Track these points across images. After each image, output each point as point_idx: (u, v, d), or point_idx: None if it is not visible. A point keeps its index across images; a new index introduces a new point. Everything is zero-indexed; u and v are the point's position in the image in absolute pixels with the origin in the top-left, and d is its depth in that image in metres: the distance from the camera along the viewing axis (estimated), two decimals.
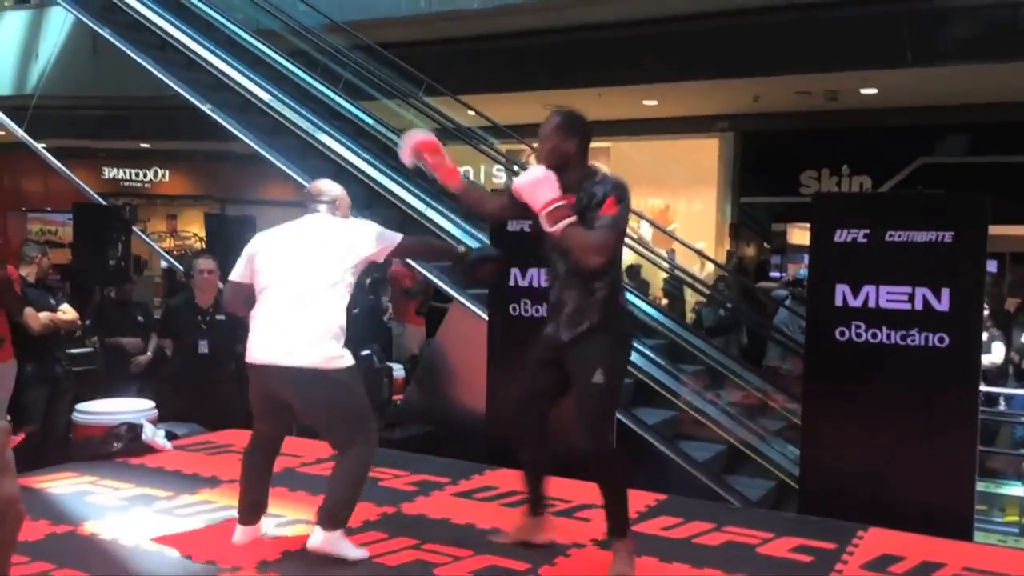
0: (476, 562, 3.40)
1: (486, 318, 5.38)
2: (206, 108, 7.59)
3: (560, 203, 3.14)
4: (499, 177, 11.03)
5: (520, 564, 3.38)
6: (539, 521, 3.64)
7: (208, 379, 5.59)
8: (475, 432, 5.27)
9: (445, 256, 4.08)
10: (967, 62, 8.82)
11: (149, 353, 6.55)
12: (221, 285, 5.90)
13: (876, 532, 3.85)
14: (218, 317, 5.65)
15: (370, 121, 8.04)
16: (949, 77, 9.27)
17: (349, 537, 3.42)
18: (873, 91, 10.34)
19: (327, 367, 3.30)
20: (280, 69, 8.36)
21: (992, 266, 9.20)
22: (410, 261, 6.74)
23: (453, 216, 6.93)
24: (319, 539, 3.34)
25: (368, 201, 7.14)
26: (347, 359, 3.39)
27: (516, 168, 9.18)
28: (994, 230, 4.14)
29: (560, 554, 3.52)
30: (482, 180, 11.26)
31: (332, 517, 3.34)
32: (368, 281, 9.07)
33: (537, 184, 3.19)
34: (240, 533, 3.52)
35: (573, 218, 3.14)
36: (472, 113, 8.65)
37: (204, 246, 12.03)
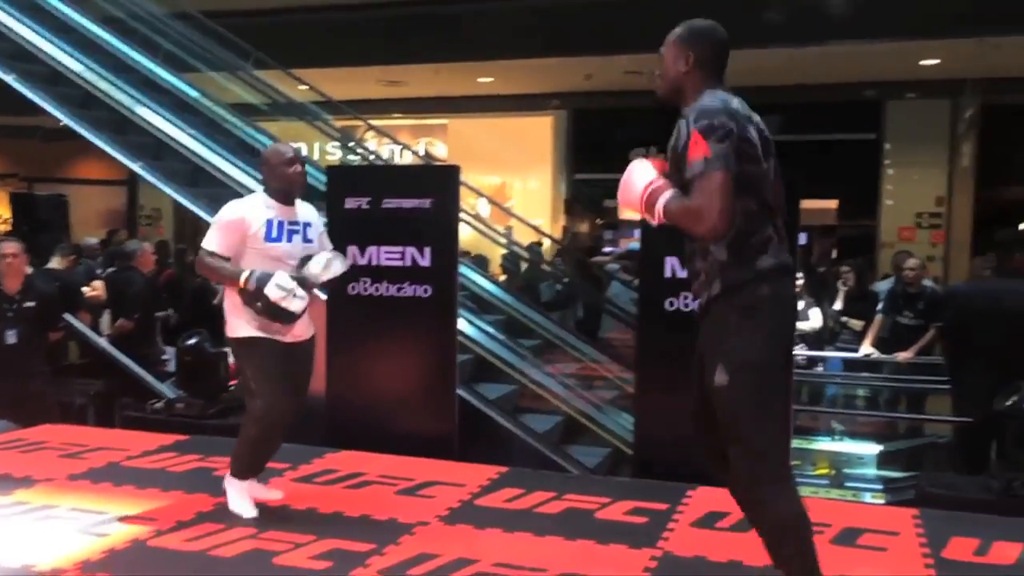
0: (319, 547, 3.33)
1: (324, 298, 5.27)
2: (9, 79, 7.01)
3: (652, 187, 2.48)
4: (333, 154, 10.79)
5: (364, 545, 3.34)
6: None
7: (18, 372, 5.19)
8: (314, 415, 5.15)
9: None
10: (783, 44, 9.35)
11: None
12: (29, 269, 5.49)
13: (704, 491, 4.05)
14: (26, 304, 5.25)
15: (194, 94, 7.66)
16: (766, 59, 9.82)
17: (194, 527, 3.44)
18: None
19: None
20: (92, 37, 7.80)
21: (802, 238, 9.85)
22: None
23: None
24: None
25: (194, 178, 6.82)
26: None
27: (351, 145, 9.03)
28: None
29: (405, 532, 3.51)
30: (316, 157, 10.97)
31: (230, 463, 3.68)
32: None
33: (625, 189, 2.56)
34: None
35: (665, 195, 2.44)
36: (305, 87, 8.41)
37: (10, 228, 11.14)
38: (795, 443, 4.67)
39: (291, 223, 3.63)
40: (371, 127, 9.40)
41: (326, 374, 5.05)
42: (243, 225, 3.53)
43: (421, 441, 4.66)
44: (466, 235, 7.10)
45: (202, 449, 4.63)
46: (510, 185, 13.43)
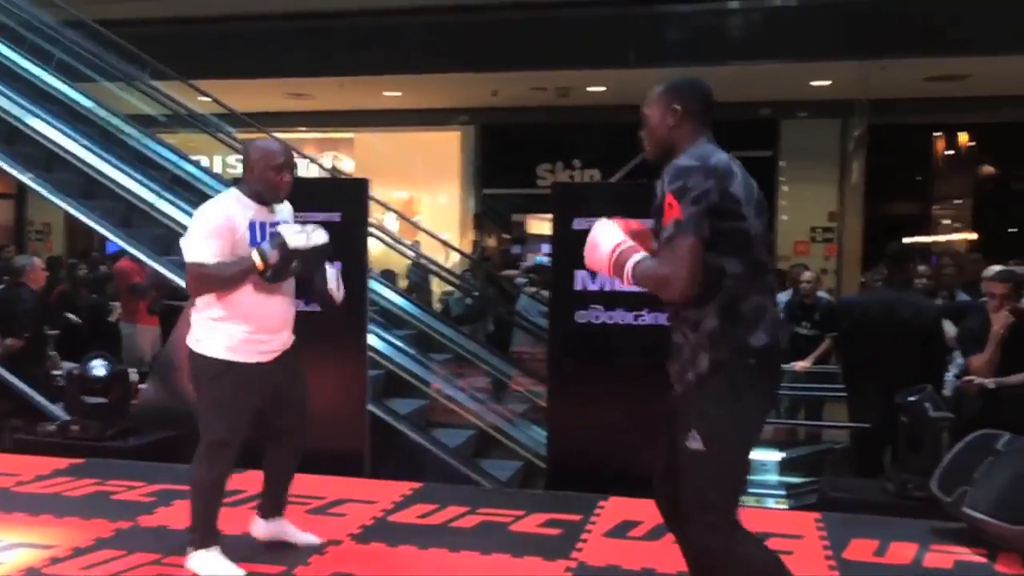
0: None
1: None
2: None
3: (619, 250, 2.38)
4: (236, 167, 10.55)
5: (273, 567, 3.27)
6: None
7: None
8: None
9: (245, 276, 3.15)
10: (683, 65, 9.61)
11: None
12: None
13: (616, 501, 4.11)
14: None
15: (89, 104, 7.37)
16: (666, 77, 10.07)
17: (92, 553, 3.29)
18: (601, 89, 11.00)
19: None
20: None
21: None
22: (137, 254, 6.28)
23: (189, 209, 6.52)
24: None
25: (88, 190, 6.57)
26: None
27: None
28: None
29: (315, 553, 3.44)
30: (218, 170, 10.70)
31: (188, 532, 3.27)
32: (92, 278, 8.36)
33: (591, 251, 2.45)
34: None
35: (634, 259, 2.34)
36: (207, 99, 8.20)
37: None
38: None
39: (272, 225, 3.22)
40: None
41: None
42: (232, 229, 3.09)
43: (331, 458, 4.56)
44: (374, 250, 7.03)
45: (100, 473, 4.45)
46: (418, 199, 13.38)
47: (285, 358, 3.27)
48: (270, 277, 3.04)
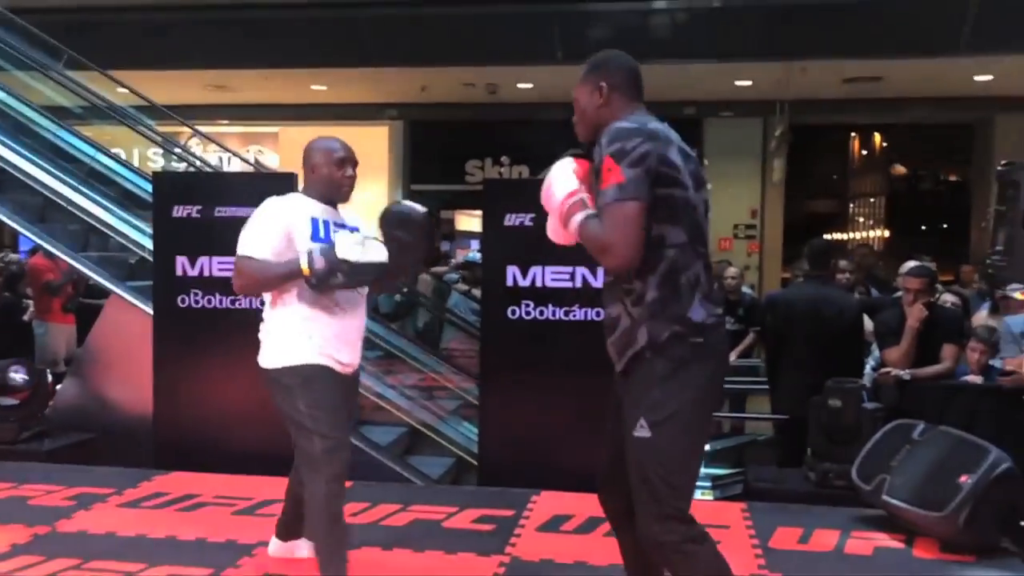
0: (151, 574, 3.15)
1: (150, 312, 5.00)
2: None
3: (571, 200, 2.24)
4: (155, 161, 10.26)
5: (200, 570, 3.19)
6: None
7: None
8: (141, 436, 4.88)
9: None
10: None
11: None
12: None
13: (548, 495, 4.13)
14: None
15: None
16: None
17: (9, 560, 3.02)
18: (529, 86, 11.05)
19: None
20: None
21: None
22: (53, 251, 6.05)
23: (107, 203, 6.32)
24: None
25: None
26: None
27: (177, 151, 8.61)
28: None
29: (244, 554, 3.37)
30: (136, 163, 10.38)
31: (317, 561, 2.85)
32: (4, 275, 8.04)
33: (546, 193, 2.33)
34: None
35: (581, 215, 2.21)
36: (124, 91, 7.95)
37: None
38: None
39: (337, 224, 2.99)
40: (197, 133, 9.00)
41: (153, 391, 4.79)
42: (287, 223, 2.87)
43: (259, 458, 4.48)
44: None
45: (14, 477, 4.28)
46: None
47: (353, 379, 3.05)
48: (314, 285, 2.78)
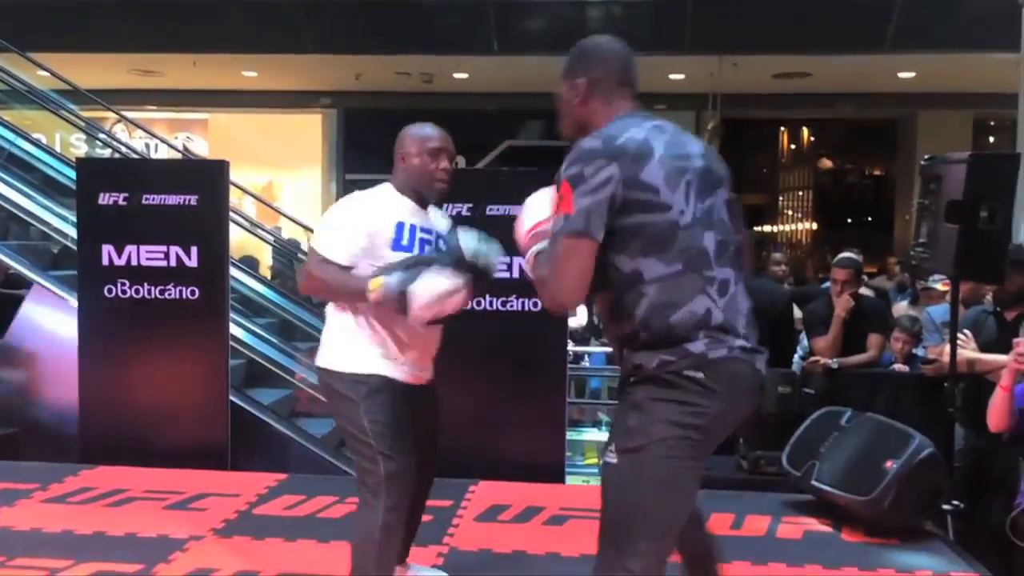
0: (78, 571, 3.06)
1: (75, 303, 4.84)
2: None
3: (535, 231, 2.04)
4: (79, 147, 9.93)
5: (130, 566, 3.11)
6: None
7: None
8: (66, 430, 4.74)
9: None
10: (545, 53, 9.74)
11: None
12: None
13: (485, 485, 4.13)
14: None
15: None
16: (529, 66, 10.18)
17: None
18: (465, 76, 11.00)
19: None
20: None
21: None
22: None
23: (28, 190, 6.10)
24: None
25: None
26: None
27: (101, 137, 8.35)
28: None
29: (176, 549, 3.29)
30: (59, 148, 10.05)
31: None
32: None
33: (518, 222, 2.12)
34: None
35: (536, 247, 2.02)
36: (45, 74, 7.68)
37: None
38: (568, 435, 4.85)
39: (424, 230, 2.71)
40: (123, 118, 8.74)
41: (79, 384, 4.65)
42: (370, 228, 2.61)
43: (191, 452, 4.40)
44: (233, 236, 6.77)
45: None
46: (278, 184, 13.00)
47: (430, 385, 2.83)
48: (370, 305, 2.57)
